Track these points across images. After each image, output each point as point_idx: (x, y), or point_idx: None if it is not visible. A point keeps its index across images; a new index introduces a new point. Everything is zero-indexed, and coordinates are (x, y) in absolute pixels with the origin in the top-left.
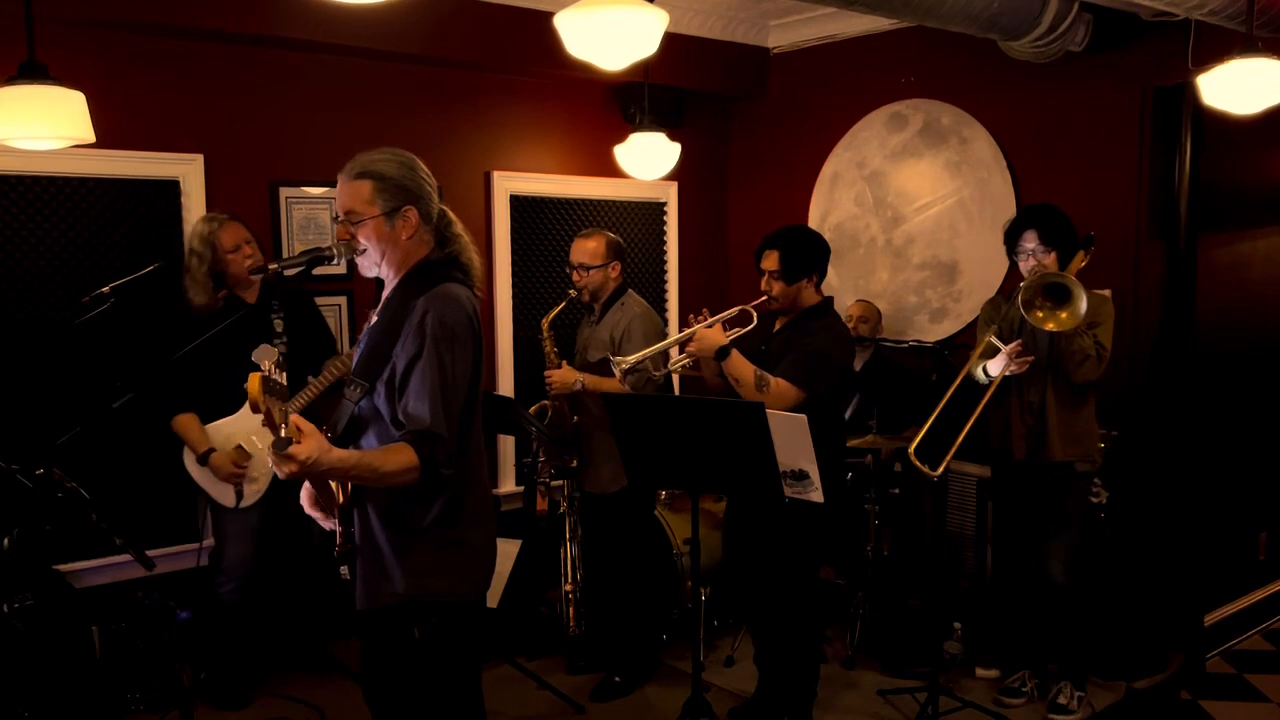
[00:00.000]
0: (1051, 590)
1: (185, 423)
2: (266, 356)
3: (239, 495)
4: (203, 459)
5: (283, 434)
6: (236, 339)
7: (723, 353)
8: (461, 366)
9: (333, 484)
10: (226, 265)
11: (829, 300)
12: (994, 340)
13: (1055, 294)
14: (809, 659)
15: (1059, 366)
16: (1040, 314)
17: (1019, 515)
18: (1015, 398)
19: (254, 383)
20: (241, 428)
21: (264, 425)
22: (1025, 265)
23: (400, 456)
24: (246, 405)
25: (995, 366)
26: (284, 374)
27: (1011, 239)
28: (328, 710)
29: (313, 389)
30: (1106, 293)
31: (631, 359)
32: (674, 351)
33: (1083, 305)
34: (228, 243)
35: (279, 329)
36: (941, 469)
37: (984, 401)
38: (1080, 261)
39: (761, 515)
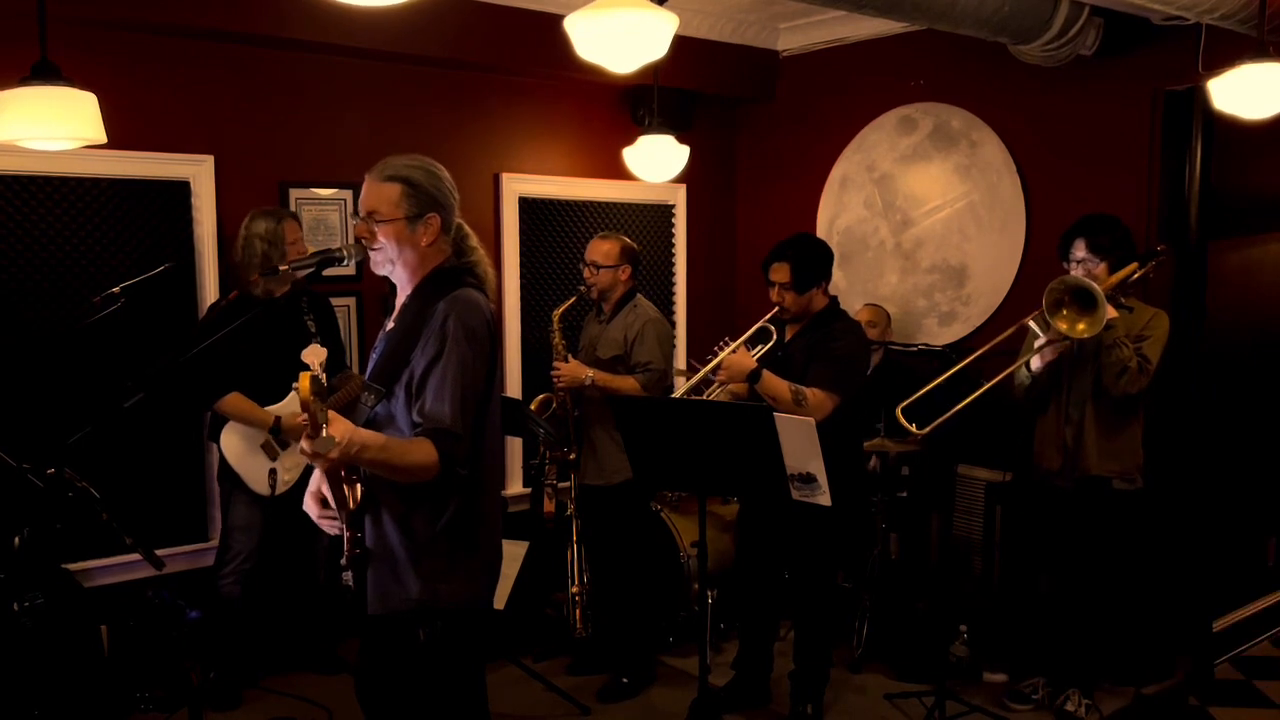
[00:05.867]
0: (1070, 599)
1: (236, 401)
2: (316, 356)
3: (273, 485)
4: (275, 428)
5: (325, 434)
6: (266, 335)
7: (754, 375)
8: (480, 369)
9: (345, 488)
10: (282, 259)
11: (836, 301)
12: (1031, 324)
13: (1082, 299)
14: (824, 661)
15: (1102, 378)
16: (1065, 312)
17: (1042, 526)
18: (1057, 408)
19: (305, 382)
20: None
21: (306, 424)
22: (1077, 274)
23: (422, 449)
24: (287, 399)
25: (1036, 360)
26: (325, 374)
27: (1063, 247)
28: (334, 709)
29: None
30: (1163, 314)
31: (677, 394)
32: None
33: (1103, 317)
34: (289, 236)
35: (312, 329)
36: (928, 430)
37: (999, 377)
38: (1131, 272)
39: (780, 518)
